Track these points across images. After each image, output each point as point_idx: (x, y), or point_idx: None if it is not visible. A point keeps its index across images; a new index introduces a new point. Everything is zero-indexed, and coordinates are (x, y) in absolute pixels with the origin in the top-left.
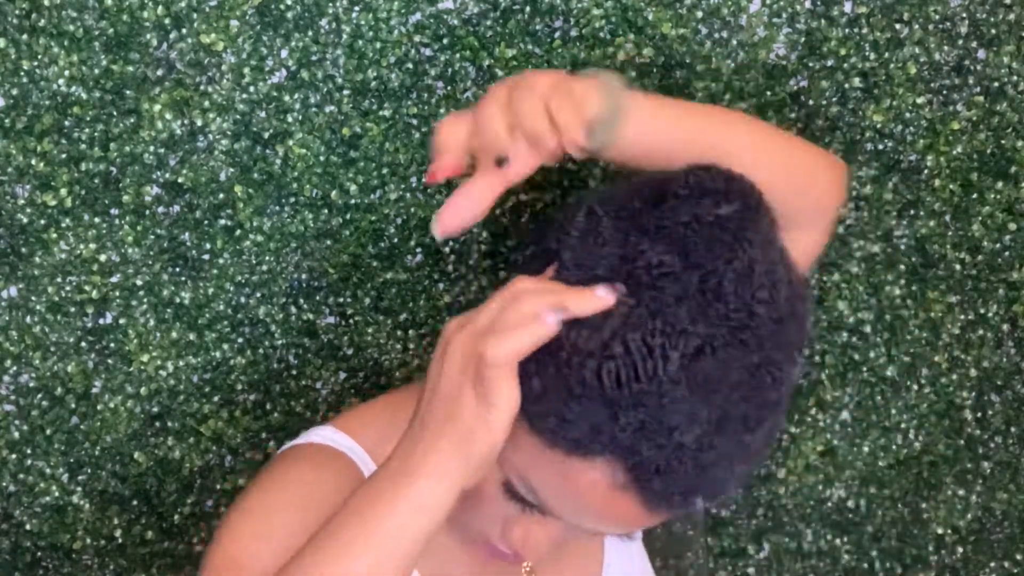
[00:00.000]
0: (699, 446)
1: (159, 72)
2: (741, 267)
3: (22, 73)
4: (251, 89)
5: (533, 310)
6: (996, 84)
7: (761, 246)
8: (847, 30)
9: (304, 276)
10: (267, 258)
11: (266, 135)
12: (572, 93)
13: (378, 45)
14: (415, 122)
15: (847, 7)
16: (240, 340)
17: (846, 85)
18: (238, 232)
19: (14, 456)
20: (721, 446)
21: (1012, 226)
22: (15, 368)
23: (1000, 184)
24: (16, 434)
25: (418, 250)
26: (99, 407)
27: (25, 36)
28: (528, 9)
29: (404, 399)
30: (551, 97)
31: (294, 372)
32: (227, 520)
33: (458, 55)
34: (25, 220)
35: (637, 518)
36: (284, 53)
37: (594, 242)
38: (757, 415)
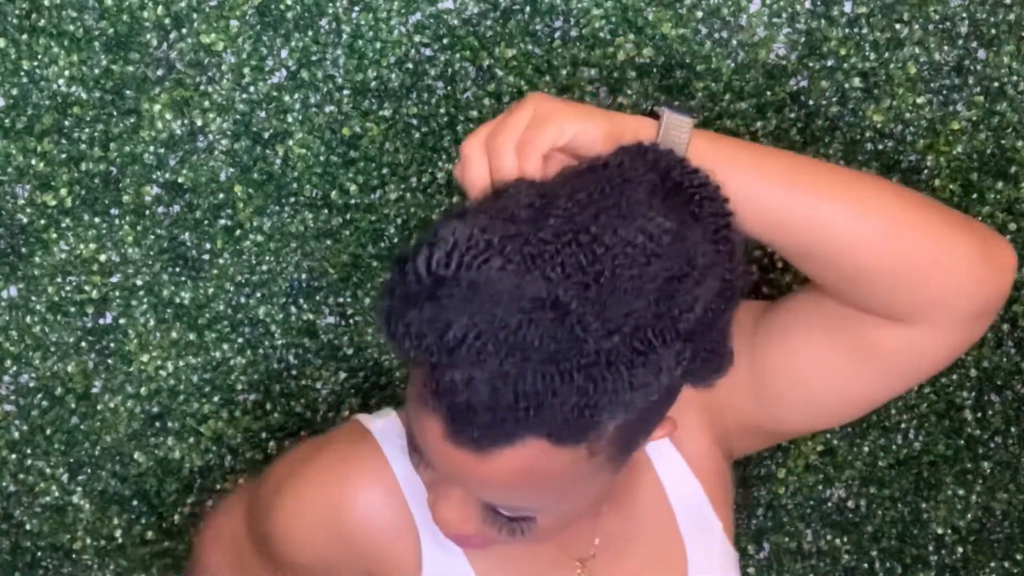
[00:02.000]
0: (480, 364)
1: (159, 72)
2: (582, 208)
3: (22, 73)
4: (251, 89)
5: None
6: (996, 84)
7: (642, 206)
8: (847, 30)
9: (304, 276)
10: (267, 258)
11: (266, 135)
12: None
13: (378, 45)
14: (415, 122)
15: (847, 7)
16: (240, 340)
17: (846, 85)
18: (238, 232)
19: (14, 456)
20: (509, 377)
21: (1012, 226)
22: (15, 368)
23: (1000, 184)
24: (16, 434)
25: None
26: (99, 407)
27: (25, 36)
28: (528, 9)
29: None
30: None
31: (294, 372)
32: (273, 468)
33: (458, 55)
34: (25, 220)
35: (450, 454)
36: (284, 53)
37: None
38: (557, 363)
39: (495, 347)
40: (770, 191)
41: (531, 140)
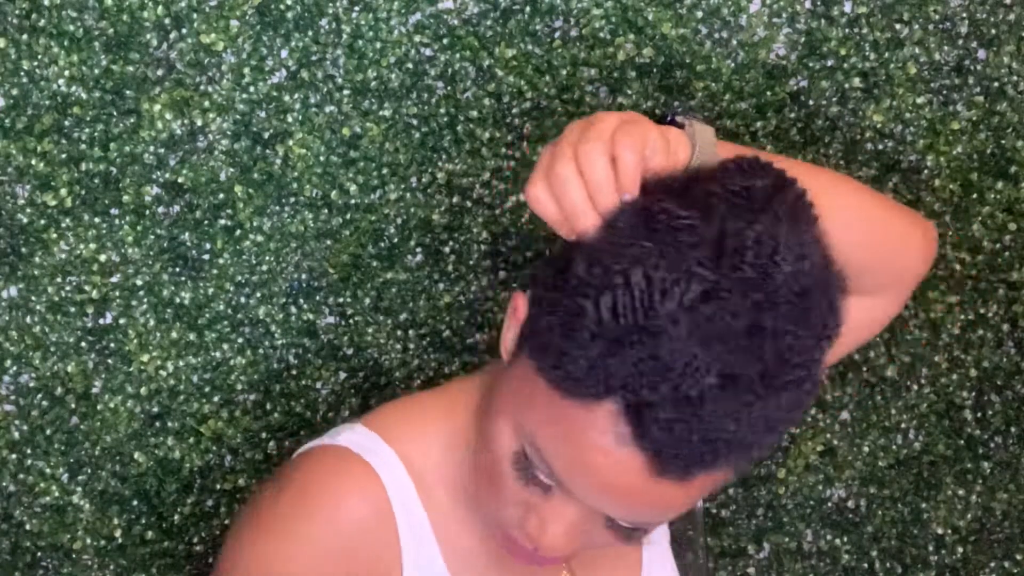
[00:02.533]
0: (700, 397)
1: (159, 72)
2: (764, 231)
3: (22, 73)
4: (251, 89)
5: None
6: (996, 84)
7: (790, 222)
8: (847, 30)
9: (304, 276)
10: (267, 258)
11: (266, 135)
12: (649, 138)
13: (378, 45)
14: (415, 122)
15: (847, 7)
16: (240, 340)
17: (846, 85)
18: (238, 232)
19: (14, 456)
20: (724, 405)
21: (1012, 226)
22: (15, 368)
23: (1000, 184)
24: (16, 434)
25: (418, 250)
26: (99, 407)
27: (25, 36)
28: (528, 9)
29: (444, 403)
30: (618, 141)
31: (294, 372)
32: (242, 533)
33: (458, 55)
34: (25, 220)
35: (643, 486)
36: (284, 53)
37: (621, 209)
38: (765, 385)
39: (717, 379)
40: None
41: (629, 147)
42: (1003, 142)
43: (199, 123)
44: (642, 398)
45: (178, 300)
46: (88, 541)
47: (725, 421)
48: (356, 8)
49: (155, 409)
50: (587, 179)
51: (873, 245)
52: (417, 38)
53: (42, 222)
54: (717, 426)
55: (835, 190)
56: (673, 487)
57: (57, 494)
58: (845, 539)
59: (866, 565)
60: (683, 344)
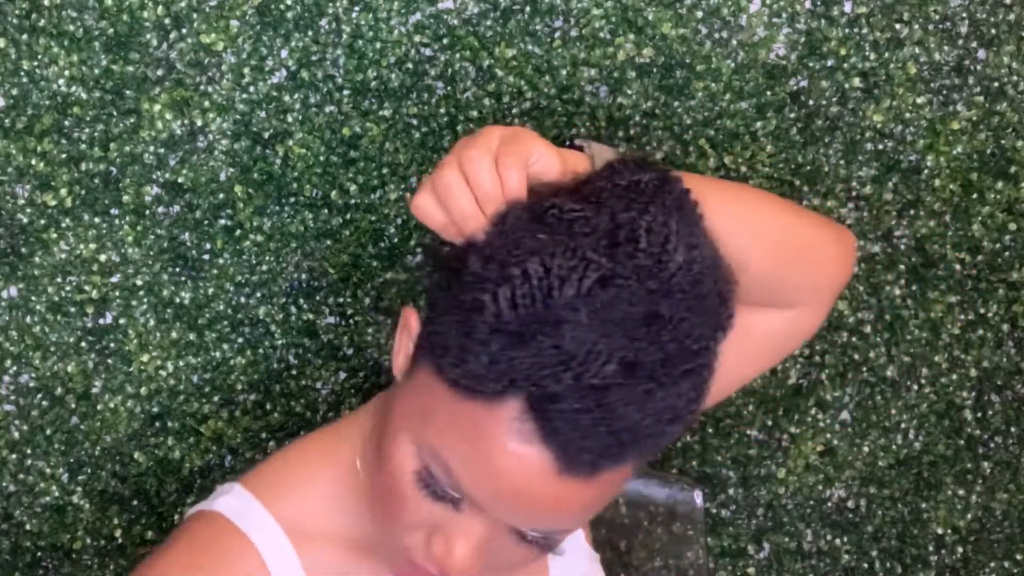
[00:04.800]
0: (604, 386)
1: (159, 72)
2: (655, 221)
3: (22, 73)
4: (251, 89)
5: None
6: (996, 84)
7: (679, 213)
8: (847, 30)
9: (304, 276)
10: (267, 258)
11: (266, 135)
12: (525, 148)
13: (378, 45)
14: (415, 122)
15: (847, 7)
16: (240, 340)
17: (846, 85)
18: (238, 232)
19: (14, 456)
20: (628, 393)
21: (1012, 226)
22: (15, 368)
23: (1000, 184)
24: (16, 434)
25: (418, 250)
26: (99, 407)
27: (25, 36)
28: (528, 9)
29: (328, 447)
30: (501, 153)
31: (294, 372)
32: None
33: (458, 55)
34: (25, 220)
35: (551, 487)
36: (284, 53)
37: (509, 208)
38: (666, 372)
39: (619, 367)
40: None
41: (512, 154)
42: (1003, 142)
43: (199, 123)
44: (546, 390)
45: (178, 300)
46: (88, 541)
47: (629, 410)
48: (356, 8)
49: (155, 409)
50: (473, 186)
51: (782, 255)
52: (417, 38)
53: (42, 222)
54: (622, 415)
55: (741, 200)
56: (579, 486)
57: (57, 494)
58: (845, 539)
59: (866, 565)
60: (584, 332)
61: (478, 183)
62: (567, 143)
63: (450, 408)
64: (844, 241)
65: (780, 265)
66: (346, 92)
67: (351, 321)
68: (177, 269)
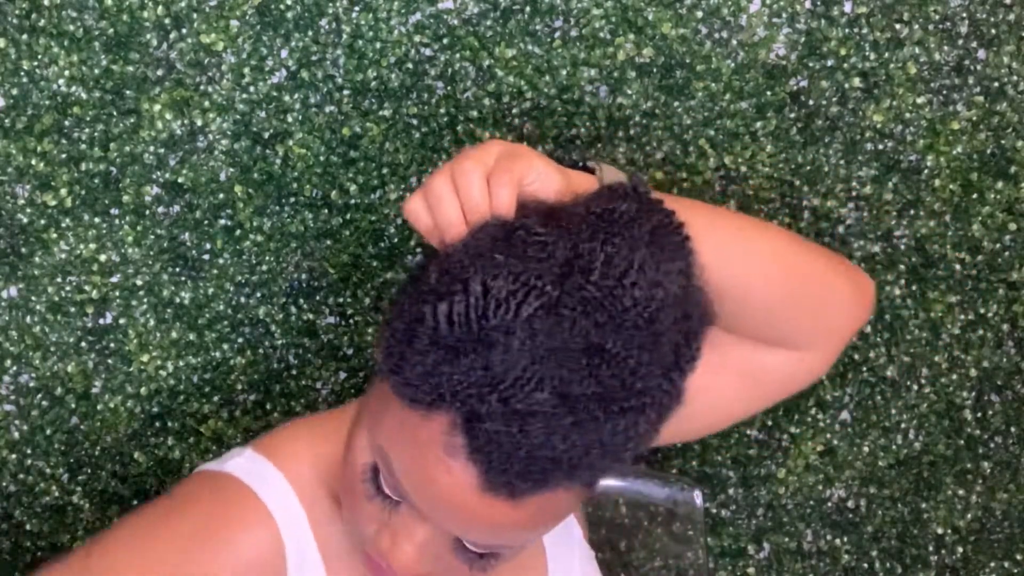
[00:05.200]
0: (530, 412)
1: (159, 72)
2: (616, 253)
3: (22, 73)
4: (251, 89)
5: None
6: (996, 84)
7: (650, 247)
8: (847, 30)
9: (304, 276)
10: (267, 258)
11: (266, 135)
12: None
13: (378, 45)
14: (415, 122)
15: (847, 7)
16: (240, 340)
17: (846, 85)
18: (238, 232)
19: (14, 456)
20: (555, 423)
21: (1012, 226)
22: (15, 368)
23: (1000, 184)
24: (16, 434)
25: (418, 250)
26: (99, 407)
27: (25, 36)
28: (528, 9)
29: (335, 421)
30: (495, 168)
31: (294, 372)
32: (111, 531)
33: (458, 55)
34: (25, 220)
35: (475, 502)
36: (284, 53)
37: (485, 223)
38: (603, 408)
39: (550, 395)
40: (701, 241)
41: (506, 171)
42: (1003, 142)
43: (199, 123)
44: (472, 409)
45: (178, 300)
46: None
47: (554, 439)
48: (356, 8)
49: (155, 409)
50: (462, 197)
51: (789, 289)
52: (417, 38)
53: (42, 222)
54: (545, 444)
55: (755, 235)
56: (505, 506)
57: (57, 494)
58: (845, 539)
59: (866, 565)
60: (515, 357)
61: (467, 195)
62: (579, 164)
63: (395, 412)
64: (861, 284)
65: (787, 300)
66: (346, 92)
67: (351, 321)
68: (177, 269)
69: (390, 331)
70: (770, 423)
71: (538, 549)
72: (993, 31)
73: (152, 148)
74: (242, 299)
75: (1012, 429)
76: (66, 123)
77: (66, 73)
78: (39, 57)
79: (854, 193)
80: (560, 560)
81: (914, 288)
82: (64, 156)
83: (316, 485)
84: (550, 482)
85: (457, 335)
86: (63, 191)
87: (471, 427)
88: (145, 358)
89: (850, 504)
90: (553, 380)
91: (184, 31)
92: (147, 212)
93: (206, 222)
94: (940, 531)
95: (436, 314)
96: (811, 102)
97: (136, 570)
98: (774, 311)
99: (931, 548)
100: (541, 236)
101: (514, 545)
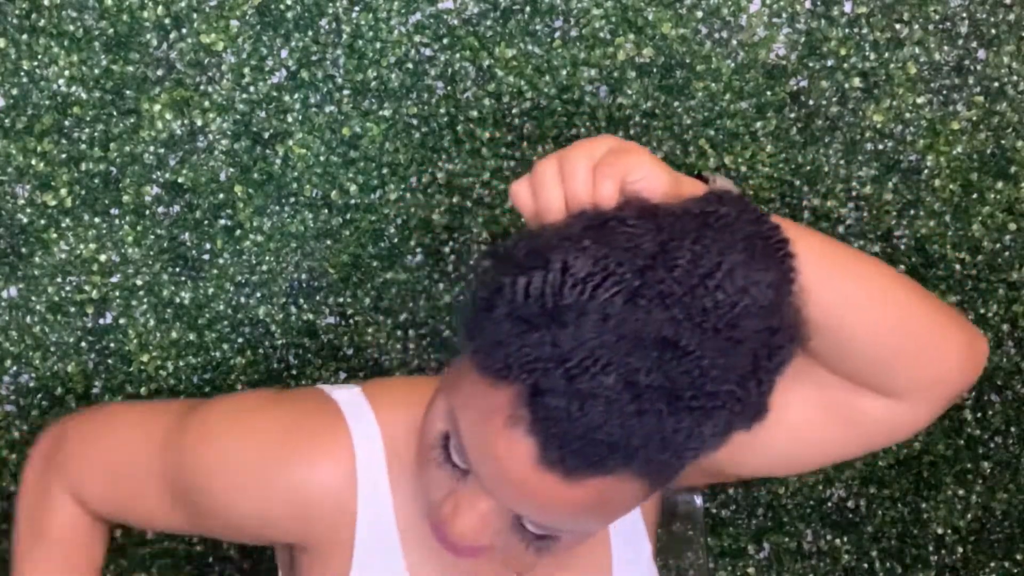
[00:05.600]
0: (592, 394)
1: (159, 72)
2: (704, 252)
3: (22, 73)
4: (251, 89)
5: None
6: (996, 84)
7: (743, 253)
8: (847, 30)
9: (304, 276)
10: (267, 258)
11: (266, 135)
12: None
13: (378, 45)
14: (415, 122)
15: (847, 7)
16: (240, 340)
17: (846, 85)
18: (238, 232)
19: (14, 456)
20: (616, 409)
21: (1012, 226)
22: (15, 368)
23: (1000, 184)
24: (16, 434)
25: (418, 250)
26: None
27: (25, 36)
28: (528, 9)
29: (431, 390)
30: (603, 161)
31: (294, 372)
32: (217, 400)
33: (458, 55)
34: (25, 220)
35: (533, 477)
36: (284, 53)
37: (582, 212)
38: (668, 403)
39: (616, 381)
40: (808, 268)
41: (612, 164)
42: (1003, 142)
43: (199, 123)
44: (537, 383)
45: (178, 300)
46: None
47: (612, 424)
48: (356, 8)
49: None
50: (566, 184)
51: (898, 338)
52: (417, 38)
53: (42, 222)
54: (603, 427)
55: (868, 271)
56: (559, 484)
57: None
58: (845, 539)
59: (866, 565)
60: (585, 337)
61: (570, 182)
62: (695, 173)
63: (470, 380)
64: (974, 345)
65: (891, 344)
66: (346, 92)
67: (351, 321)
68: (177, 269)
69: (473, 297)
70: None
71: (604, 560)
72: (993, 31)
73: (152, 148)
74: (242, 299)
75: (1012, 429)
76: (66, 123)
77: (66, 73)
78: (39, 57)
79: (854, 193)
80: (625, 565)
81: None
82: (64, 156)
83: (403, 439)
84: (604, 466)
85: (532, 309)
86: (63, 191)
87: (534, 401)
88: (145, 358)
89: (850, 504)
90: (620, 366)
91: (184, 31)
92: (147, 212)
93: (206, 222)
94: (940, 531)
95: (515, 286)
96: (811, 102)
97: (218, 449)
98: (876, 353)
99: (931, 548)
100: (632, 227)
101: (570, 529)
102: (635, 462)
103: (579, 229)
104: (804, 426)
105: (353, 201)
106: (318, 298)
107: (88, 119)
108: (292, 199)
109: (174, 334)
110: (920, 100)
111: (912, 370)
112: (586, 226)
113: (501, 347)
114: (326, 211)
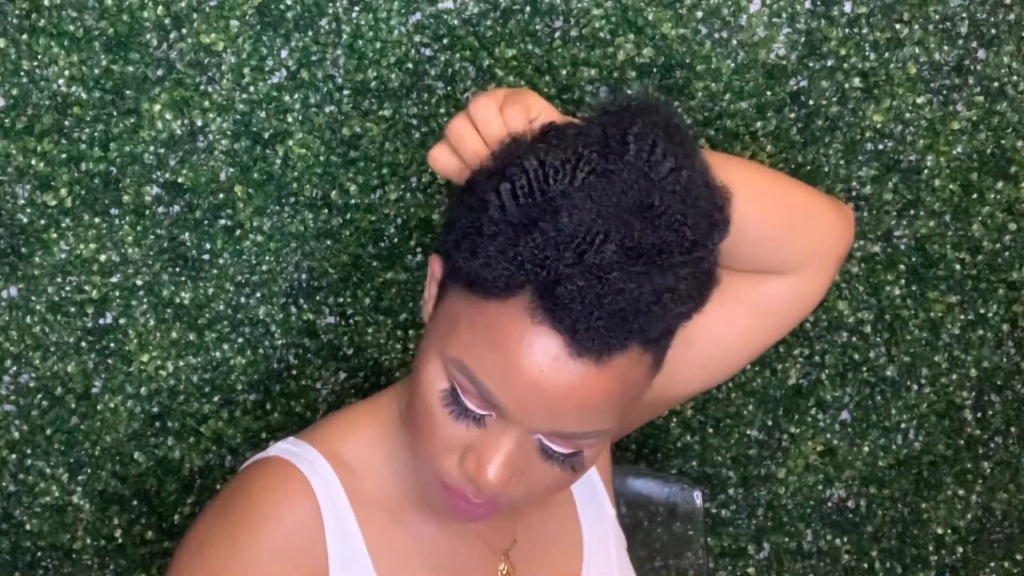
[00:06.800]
0: (605, 264)
1: (159, 72)
2: (641, 132)
3: (22, 73)
4: (251, 89)
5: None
6: (996, 84)
7: (665, 131)
8: (847, 30)
9: (304, 276)
10: (267, 258)
11: (266, 135)
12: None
13: (378, 45)
14: (415, 122)
15: (847, 7)
16: (240, 340)
17: (846, 85)
18: (238, 232)
19: (14, 456)
20: (628, 272)
21: (1012, 226)
22: (15, 368)
23: (1000, 184)
24: (16, 434)
25: (418, 250)
26: (99, 407)
27: (25, 36)
28: (528, 9)
29: (372, 407)
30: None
31: (294, 372)
32: (190, 545)
33: (458, 55)
34: (25, 220)
35: (566, 373)
36: (284, 53)
37: (510, 140)
38: (664, 257)
39: (618, 248)
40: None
41: (516, 103)
42: (1003, 142)
43: (199, 123)
44: (551, 273)
45: (178, 300)
46: (88, 541)
47: (630, 286)
48: (356, 8)
49: (155, 409)
50: (481, 128)
51: (783, 221)
52: (417, 38)
53: (42, 222)
54: (623, 292)
55: (742, 169)
56: (592, 372)
57: (57, 494)
58: (845, 539)
59: (866, 565)
60: (580, 215)
61: (485, 125)
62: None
63: (469, 314)
64: (842, 209)
65: (779, 227)
66: (346, 92)
67: (351, 321)
68: (177, 269)
69: (456, 232)
70: (770, 423)
71: (574, 523)
72: (993, 31)
73: (152, 148)
74: (242, 299)
75: (1012, 429)
76: (66, 123)
77: (66, 73)
78: (39, 57)
79: (854, 193)
80: (594, 534)
81: (914, 288)
82: (64, 156)
83: (355, 462)
84: (632, 335)
85: (524, 209)
86: (63, 191)
87: (551, 293)
88: (145, 358)
89: (850, 504)
90: (618, 233)
91: (184, 31)
92: (147, 212)
93: (206, 222)
94: (940, 531)
95: (500, 195)
96: (811, 102)
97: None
98: (768, 238)
99: (931, 548)
100: (573, 128)
101: (595, 432)
102: (653, 322)
103: (525, 143)
104: (725, 329)
105: (353, 201)
106: (318, 298)
107: (88, 119)
108: (292, 199)
109: (174, 334)
110: (920, 100)
111: (801, 241)
112: (531, 140)
113: (503, 257)
114: (326, 211)
